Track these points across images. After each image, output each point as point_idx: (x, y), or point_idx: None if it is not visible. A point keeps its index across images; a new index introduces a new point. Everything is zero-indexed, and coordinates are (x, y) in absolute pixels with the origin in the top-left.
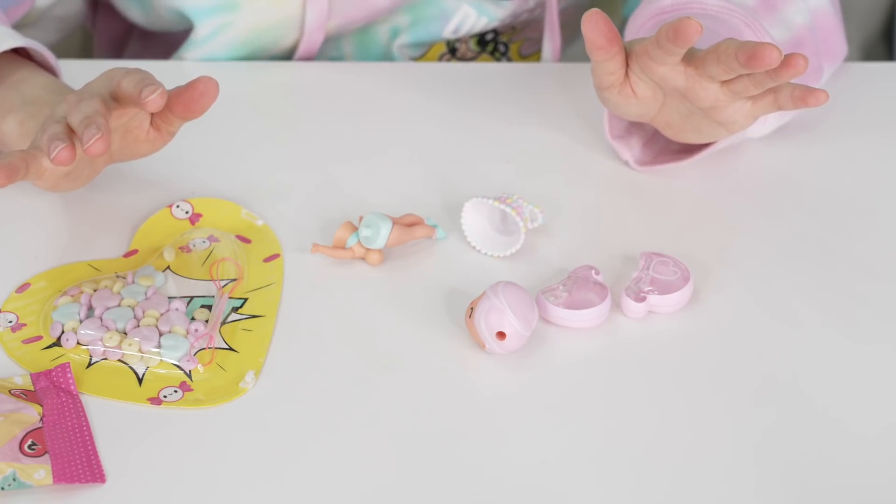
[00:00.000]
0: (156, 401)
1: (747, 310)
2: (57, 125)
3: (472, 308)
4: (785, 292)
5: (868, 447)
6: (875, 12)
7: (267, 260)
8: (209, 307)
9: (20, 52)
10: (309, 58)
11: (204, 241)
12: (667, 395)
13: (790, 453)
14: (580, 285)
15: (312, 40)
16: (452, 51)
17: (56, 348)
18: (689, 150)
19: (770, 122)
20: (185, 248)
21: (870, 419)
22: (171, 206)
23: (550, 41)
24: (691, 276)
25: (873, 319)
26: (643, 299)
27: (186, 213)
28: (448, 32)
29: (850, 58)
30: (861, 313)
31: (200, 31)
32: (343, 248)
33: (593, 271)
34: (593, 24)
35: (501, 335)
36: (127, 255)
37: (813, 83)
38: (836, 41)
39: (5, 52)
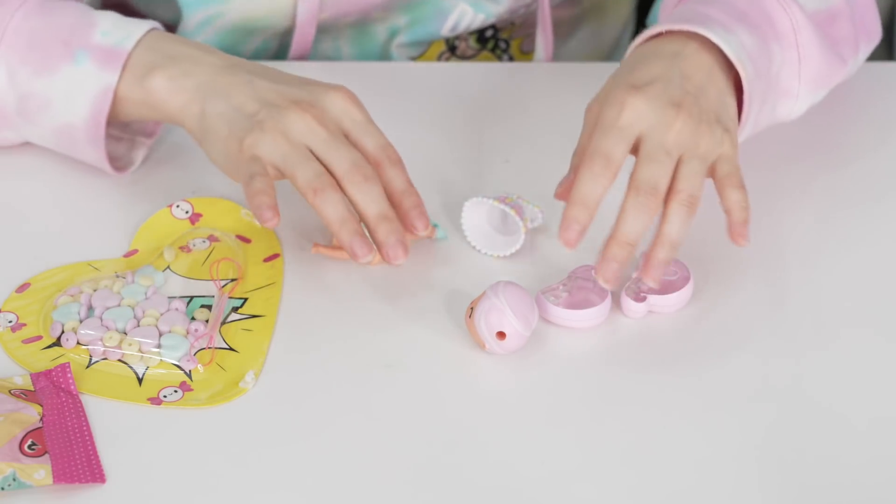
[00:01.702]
0: (156, 401)
1: (747, 310)
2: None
3: (472, 308)
4: (785, 292)
5: (869, 445)
6: None
7: (267, 260)
8: (209, 307)
9: None
10: (304, 52)
11: (204, 241)
12: (667, 394)
13: (791, 453)
14: (580, 285)
15: (305, 32)
16: (452, 49)
17: (56, 348)
18: None
19: (801, 100)
20: (185, 248)
21: (871, 418)
22: (171, 206)
23: (542, 37)
24: (691, 276)
25: (873, 319)
26: (643, 299)
27: (186, 212)
28: (446, 30)
29: None
30: (861, 313)
31: (190, 20)
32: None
33: (593, 271)
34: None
35: (501, 335)
36: (127, 254)
37: (846, 58)
38: (872, 19)
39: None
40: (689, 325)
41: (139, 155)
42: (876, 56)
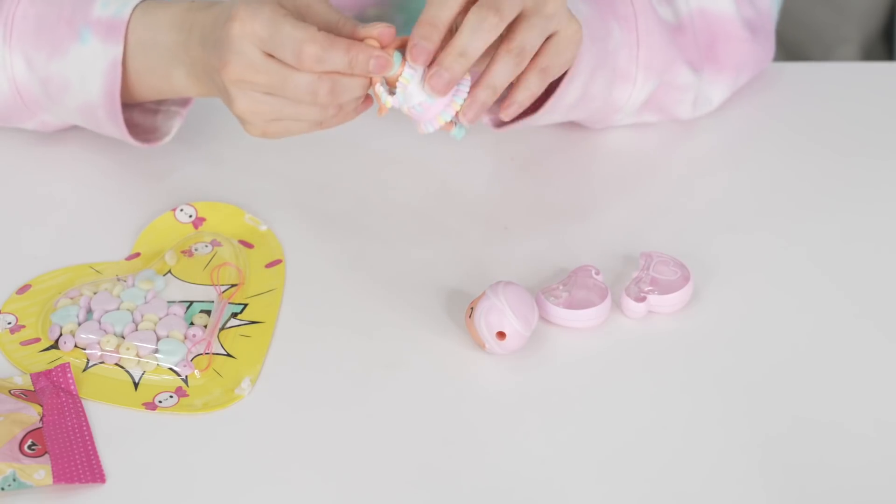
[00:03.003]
0: (151, 406)
1: (747, 309)
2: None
3: (472, 308)
4: (785, 292)
5: (869, 447)
6: (875, 12)
7: (269, 266)
8: (208, 312)
9: None
10: None
11: (206, 246)
12: (667, 394)
13: (791, 453)
14: (580, 285)
15: None
16: None
17: (53, 351)
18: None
19: (639, 86)
20: (187, 252)
21: (871, 419)
22: (174, 210)
23: None
24: (691, 276)
25: (873, 319)
26: (643, 299)
27: (190, 216)
28: None
29: (850, 58)
30: (861, 313)
31: None
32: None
33: (593, 271)
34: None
35: (501, 335)
36: (129, 257)
37: (689, 63)
38: (730, 53)
39: None
40: (689, 325)
41: (174, 125)
42: (876, 56)
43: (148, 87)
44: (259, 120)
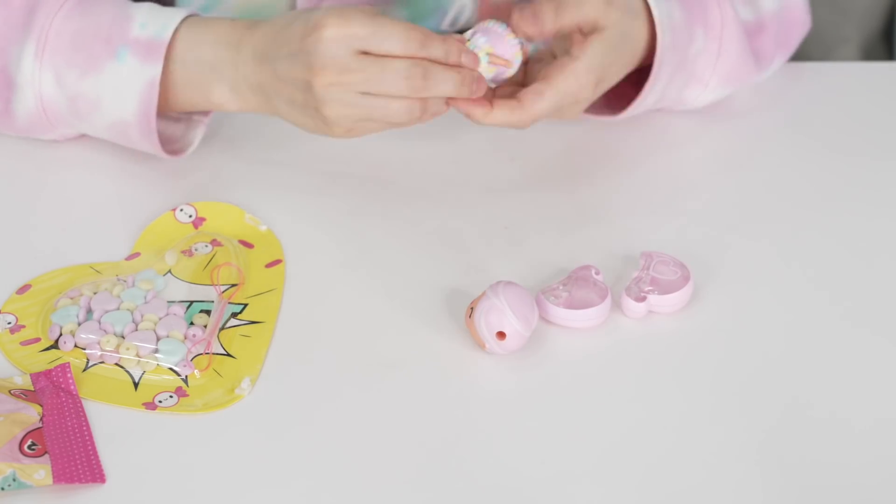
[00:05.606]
0: (151, 406)
1: (747, 309)
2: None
3: (472, 308)
4: (785, 292)
5: (870, 446)
6: (875, 12)
7: (269, 265)
8: (208, 312)
9: None
10: None
11: (206, 246)
12: (667, 394)
13: (791, 453)
14: (580, 285)
15: None
16: None
17: (54, 350)
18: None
19: (710, 90)
20: (187, 252)
21: (871, 418)
22: (174, 210)
23: None
24: (691, 276)
25: (874, 318)
26: (643, 299)
27: (190, 216)
28: (446, 24)
29: (850, 58)
30: (862, 313)
31: (191, 6)
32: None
33: (593, 271)
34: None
35: (501, 335)
36: (129, 257)
37: (761, 67)
38: (796, 35)
39: None
40: (689, 325)
41: (197, 135)
42: (876, 56)
43: (184, 100)
44: (348, 122)
